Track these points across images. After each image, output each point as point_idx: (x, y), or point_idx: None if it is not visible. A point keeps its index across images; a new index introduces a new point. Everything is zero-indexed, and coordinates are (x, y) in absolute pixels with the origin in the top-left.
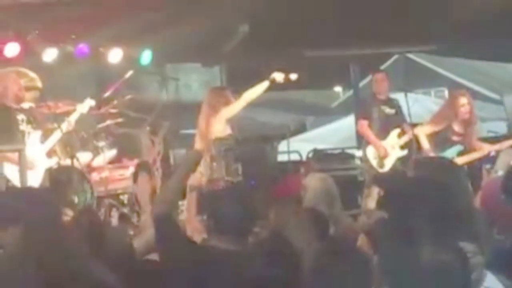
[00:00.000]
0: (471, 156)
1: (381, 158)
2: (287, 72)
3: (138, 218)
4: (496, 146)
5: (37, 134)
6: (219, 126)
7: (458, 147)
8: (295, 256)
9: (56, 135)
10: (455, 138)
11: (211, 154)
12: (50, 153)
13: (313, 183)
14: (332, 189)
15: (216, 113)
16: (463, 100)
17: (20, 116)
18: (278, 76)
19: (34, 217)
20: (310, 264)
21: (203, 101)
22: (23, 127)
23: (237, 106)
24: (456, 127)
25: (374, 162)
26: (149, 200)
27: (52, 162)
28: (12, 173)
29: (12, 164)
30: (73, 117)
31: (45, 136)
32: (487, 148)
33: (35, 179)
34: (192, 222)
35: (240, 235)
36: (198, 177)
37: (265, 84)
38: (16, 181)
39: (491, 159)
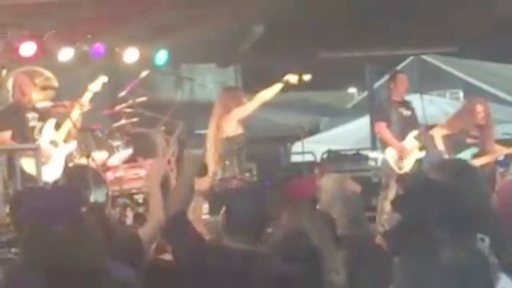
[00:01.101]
0: (486, 159)
1: (401, 160)
2: (301, 73)
3: None
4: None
5: (51, 122)
6: (231, 126)
7: (473, 149)
8: (317, 257)
9: (70, 120)
10: (470, 140)
11: (221, 153)
12: (68, 139)
13: (329, 184)
14: (347, 190)
15: (228, 113)
16: (480, 108)
17: (31, 115)
18: (292, 78)
19: (65, 216)
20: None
21: (215, 101)
22: (34, 123)
23: (249, 107)
24: (472, 131)
25: (393, 164)
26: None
27: (72, 147)
28: (31, 167)
29: (31, 158)
30: (86, 97)
31: (59, 124)
32: (503, 151)
33: (54, 170)
34: (197, 226)
35: (253, 235)
36: (208, 180)
37: (278, 86)
38: (34, 173)
39: (504, 162)
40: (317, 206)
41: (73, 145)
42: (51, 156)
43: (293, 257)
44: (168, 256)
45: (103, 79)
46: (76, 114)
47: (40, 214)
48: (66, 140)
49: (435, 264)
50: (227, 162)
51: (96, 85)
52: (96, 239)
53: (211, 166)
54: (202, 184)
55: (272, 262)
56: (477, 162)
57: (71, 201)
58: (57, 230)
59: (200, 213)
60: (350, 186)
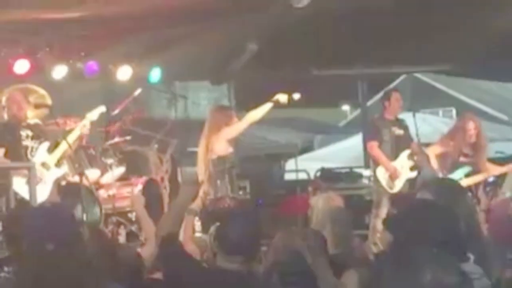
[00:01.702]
0: (478, 178)
1: (392, 179)
2: (293, 91)
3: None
4: (504, 169)
5: (45, 145)
6: (221, 145)
7: (467, 168)
8: (312, 277)
9: (64, 145)
10: (463, 159)
11: (212, 172)
12: (60, 163)
13: (321, 203)
14: (339, 209)
15: (218, 132)
16: (471, 125)
17: (25, 132)
18: (282, 97)
19: (64, 235)
20: None
21: (206, 120)
22: (28, 142)
23: (239, 126)
24: (465, 149)
25: (384, 183)
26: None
27: (61, 172)
28: (20, 186)
29: (21, 177)
30: (83, 124)
31: (53, 147)
32: (495, 170)
33: (43, 191)
34: (188, 244)
35: (248, 255)
36: (199, 200)
37: (268, 106)
38: (24, 194)
39: (492, 183)
40: (310, 225)
41: (63, 170)
42: (42, 178)
43: (289, 278)
44: (158, 275)
45: (101, 109)
46: (72, 137)
47: (38, 232)
48: (57, 164)
49: (418, 284)
50: (218, 181)
51: (94, 114)
52: (93, 258)
53: (203, 185)
54: (194, 203)
55: (267, 282)
56: (469, 181)
57: (68, 220)
58: (54, 248)
59: (191, 232)
60: (335, 202)
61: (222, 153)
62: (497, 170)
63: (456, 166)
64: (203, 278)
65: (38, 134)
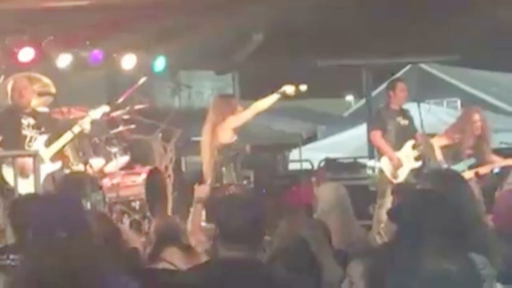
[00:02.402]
0: (482, 170)
1: (395, 169)
2: (298, 82)
3: (149, 225)
4: (509, 161)
5: (43, 138)
6: (226, 133)
7: (470, 160)
8: (316, 265)
9: (63, 140)
10: (468, 151)
11: (217, 160)
12: (56, 158)
13: (326, 192)
14: (344, 198)
15: (223, 120)
16: (476, 117)
17: (27, 121)
18: (289, 89)
19: (70, 222)
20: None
21: (210, 108)
22: (27, 131)
23: (244, 115)
24: (469, 142)
25: (388, 173)
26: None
27: (56, 167)
28: (9, 175)
29: (10, 167)
30: (85, 121)
31: (51, 141)
32: (499, 162)
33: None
34: (196, 234)
35: (250, 244)
36: (207, 188)
37: (275, 97)
38: (12, 183)
39: (500, 173)
40: (314, 215)
41: (57, 165)
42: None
43: (294, 265)
44: (161, 265)
45: (104, 108)
46: (65, 139)
47: (44, 220)
48: (52, 159)
49: (425, 273)
50: (223, 169)
51: (97, 113)
52: (99, 245)
53: (208, 173)
54: (201, 191)
55: (272, 270)
56: (469, 174)
57: (75, 207)
58: (60, 236)
59: (199, 221)
60: (340, 191)
61: (227, 141)
62: (502, 161)
63: (460, 158)
64: (207, 267)
65: (40, 124)
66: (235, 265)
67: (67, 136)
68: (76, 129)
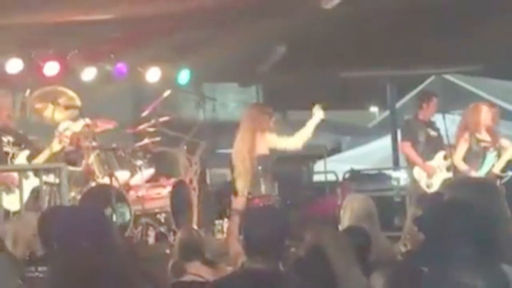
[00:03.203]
0: (505, 157)
1: (429, 178)
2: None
3: (174, 237)
4: None
5: (24, 153)
6: (263, 145)
7: (493, 153)
8: (332, 276)
9: (44, 154)
10: (483, 144)
11: (257, 170)
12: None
13: (355, 203)
14: (372, 210)
15: (263, 131)
16: (484, 108)
17: (6, 138)
18: (318, 112)
19: (96, 234)
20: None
21: (245, 117)
22: (8, 148)
23: (287, 143)
24: (481, 135)
25: (422, 182)
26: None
27: (37, 182)
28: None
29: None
30: (65, 134)
31: (33, 156)
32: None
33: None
34: (234, 245)
35: (272, 255)
36: (243, 199)
37: (313, 124)
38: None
39: None
40: (339, 226)
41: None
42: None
43: (309, 276)
44: (187, 278)
45: (85, 120)
46: (55, 147)
47: (70, 231)
48: (36, 173)
49: (454, 285)
50: (261, 179)
51: (77, 126)
52: (122, 256)
53: (243, 183)
54: (239, 203)
55: (289, 281)
56: (501, 164)
57: (99, 220)
58: (86, 248)
59: (237, 232)
60: (370, 203)
61: (265, 152)
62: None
63: (482, 156)
64: (229, 278)
65: (19, 141)
66: (254, 276)
67: (49, 150)
68: (56, 146)
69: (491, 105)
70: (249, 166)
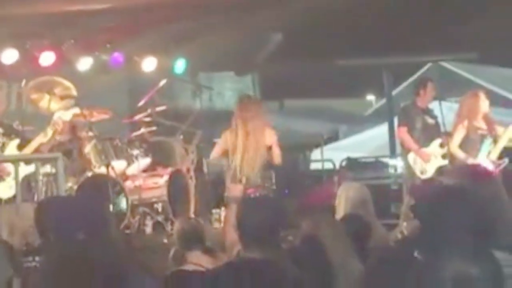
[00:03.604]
0: (501, 144)
1: (423, 164)
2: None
3: (172, 226)
4: None
5: (15, 142)
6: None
7: (488, 141)
8: (328, 265)
9: (35, 143)
10: (480, 132)
11: (264, 161)
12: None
13: (350, 192)
14: (367, 198)
15: (267, 125)
16: (482, 96)
17: None
18: None
19: (93, 225)
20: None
21: (258, 109)
22: None
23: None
24: (478, 123)
25: (416, 169)
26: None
27: (30, 169)
28: None
29: None
30: (57, 123)
31: (23, 144)
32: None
33: (11, 187)
34: (230, 234)
35: (268, 244)
36: (240, 187)
37: None
38: None
39: None
40: (336, 214)
41: (31, 168)
42: (10, 174)
43: (306, 265)
44: (188, 267)
45: (75, 110)
46: (43, 138)
47: (67, 222)
48: (27, 161)
49: (449, 271)
50: (266, 172)
51: (67, 114)
52: (118, 246)
53: (247, 171)
54: (236, 190)
55: (284, 268)
56: (497, 150)
57: (95, 210)
58: (83, 238)
59: (233, 221)
60: (365, 191)
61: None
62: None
63: (479, 144)
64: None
65: (10, 132)
66: (250, 266)
67: (40, 138)
68: (49, 132)
69: (487, 92)
70: (258, 156)
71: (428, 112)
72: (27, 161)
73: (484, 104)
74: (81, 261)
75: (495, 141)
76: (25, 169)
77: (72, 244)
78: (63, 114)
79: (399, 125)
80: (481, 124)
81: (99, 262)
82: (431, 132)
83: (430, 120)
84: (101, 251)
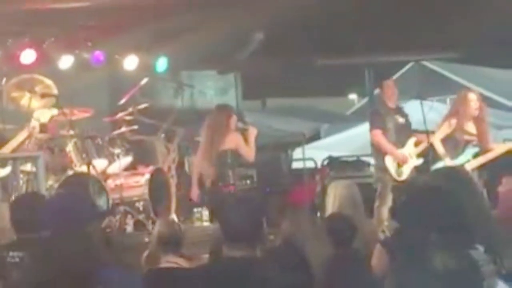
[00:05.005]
0: (486, 157)
1: (400, 166)
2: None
3: (153, 225)
4: (509, 145)
5: None
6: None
7: (474, 149)
8: (305, 264)
9: (11, 145)
10: (467, 137)
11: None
12: (4, 164)
13: (338, 190)
14: (356, 196)
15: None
16: (472, 96)
17: None
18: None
19: (76, 222)
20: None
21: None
22: None
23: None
24: (468, 127)
25: (392, 171)
26: None
27: (5, 172)
28: None
29: None
30: (33, 124)
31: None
32: (502, 148)
33: None
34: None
35: (250, 243)
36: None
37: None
38: None
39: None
40: (318, 213)
41: (7, 170)
42: None
43: (283, 264)
44: (164, 265)
45: (52, 111)
46: (19, 138)
47: (52, 218)
48: (1, 164)
49: (426, 270)
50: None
51: (44, 116)
52: (96, 243)
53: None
54: None
55: (264, 268)
56: (478, 162)
57: (81, 207)
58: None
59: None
60: (354, 189)
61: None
62: (502, 147)
63: (461, 147)
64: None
65: None
66: (232, 264)
67: (16, 141)
68: (23, 134)
69: (474, 91)
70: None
71: (399, 111)
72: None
73: (474, 106)
74: (53, 257)
75: (477, 153)
76: (2, 171)
77: (54, 240)
78: (41, 114)
79: (372, 128)
80: (471, 129)
81: (71, 259)
82: (403, 131)
83: (401, 119)
84: (72, 248)
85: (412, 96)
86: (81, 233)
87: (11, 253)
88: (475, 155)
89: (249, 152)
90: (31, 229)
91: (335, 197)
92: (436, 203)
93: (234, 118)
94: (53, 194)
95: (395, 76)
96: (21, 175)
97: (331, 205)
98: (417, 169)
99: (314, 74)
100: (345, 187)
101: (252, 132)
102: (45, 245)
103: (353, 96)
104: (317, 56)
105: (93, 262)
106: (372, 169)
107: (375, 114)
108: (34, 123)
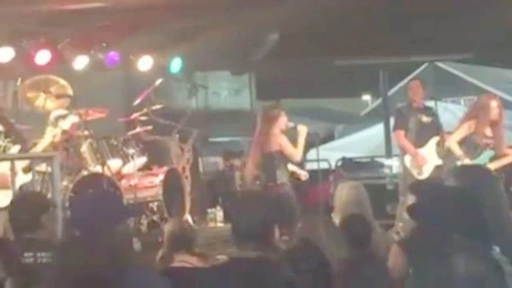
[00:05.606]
0: (502, 161)
1: (419, 166)
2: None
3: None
4: None
5: (16, 148)
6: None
7: (490, 153)
8: (325, 263)
9: (38, 149)
10: (485, 141)
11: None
12: (27, 170)
13: (346, 191)
14: (363, 197)
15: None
16: (494, 103)
17: None
18: (302, 129)
19: (110, 221)
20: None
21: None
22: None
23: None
24: (486, 130)
25: (413, 170)
26: None
27: (27, 178)
28: None
29: None
30: (52, 133)
31: (23, 151)
32: None
33: (7, 196)
34: None
35: (261, 244)
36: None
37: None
38: None
39: None
40: (332, 214)
41: (29, 177)
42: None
43: (301, 266)
44: (176, 264)
45: (73, 118)
46: (45, 142)
47: (86, 218)
48: (25, 170)
49: (448, 272)
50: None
51: (66, 123)
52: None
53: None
54: None
55: (280, 269)
56: (494, 166)
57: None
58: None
59: None
60: (360, 190)
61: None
62: None
63: (478, 149)
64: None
65: (10, 133)
66: (243, 265)
67: (41, 145)
68: (47, 140)
69: (497, 97)
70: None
71: (425, 110)
72: (23, 159)
73: (495, 112)
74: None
75: (492, 158)
76: (23, 178)
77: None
78: (63, 123)
79: (395, 129)
80: (489, 133)
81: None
82: (426, 130)
83: (425, 119)
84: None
85: (426, 97)
86: (112, 232)
87: (39, 254)
88: (491, 159)
89: (294, 153)
90: (30, 229)
91: (340, 198)
92: (455, 204)
93: (282, 119)
94: (84, 194)
95: (409, 77)
96: (36, 176)
97: (338, 207)
98: (439, 168)
99: (328, 75)
100: (350, 187)
101: (301, 130)
102: (77, 244)
103: (367, 97)
104: (331, 57)
105: (122, 262)
106: (386, 170)
107: (397, 114)
108: (57, 131)
